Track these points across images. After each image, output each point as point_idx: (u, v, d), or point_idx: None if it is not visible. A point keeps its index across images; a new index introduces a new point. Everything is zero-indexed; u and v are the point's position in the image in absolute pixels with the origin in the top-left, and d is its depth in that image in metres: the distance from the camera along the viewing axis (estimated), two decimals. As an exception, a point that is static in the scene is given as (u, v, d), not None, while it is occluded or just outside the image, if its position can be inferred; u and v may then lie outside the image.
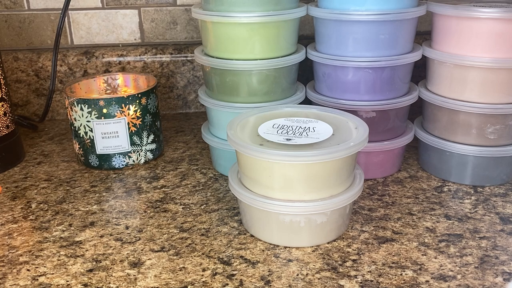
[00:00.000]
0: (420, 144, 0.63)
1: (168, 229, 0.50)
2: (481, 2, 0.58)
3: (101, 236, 0.49)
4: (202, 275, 0.43)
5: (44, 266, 0.45)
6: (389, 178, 0.60)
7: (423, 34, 0.81)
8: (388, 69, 0.57)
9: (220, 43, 0.57)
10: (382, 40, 0.56)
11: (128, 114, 0.62)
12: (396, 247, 0.46)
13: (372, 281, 0.42)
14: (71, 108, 0.62)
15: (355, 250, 0.46)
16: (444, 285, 0.41)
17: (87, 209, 0.55)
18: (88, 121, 0.61)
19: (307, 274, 0.43)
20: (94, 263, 0.45)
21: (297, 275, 0.43)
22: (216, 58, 0.58)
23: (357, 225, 0.50)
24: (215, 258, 0.45)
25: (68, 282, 0.42)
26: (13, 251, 0.47)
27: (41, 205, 0.56)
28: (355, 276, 0.42)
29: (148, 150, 0.65)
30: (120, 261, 0.45)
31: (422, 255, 0.45)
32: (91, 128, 0.62)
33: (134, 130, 0.63)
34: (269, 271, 0.43)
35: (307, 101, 0.61)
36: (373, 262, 0.44)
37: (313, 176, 0.45)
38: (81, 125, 0.62)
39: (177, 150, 0.70)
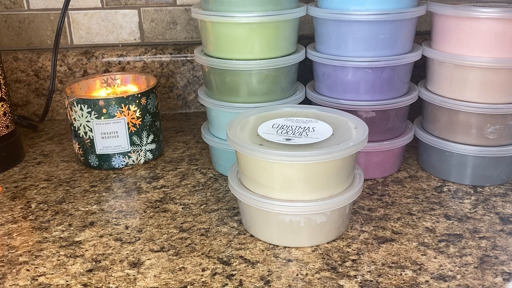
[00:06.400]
0: (420, 144, 0.63)
1: (167, 229, 0.50)
2: (481, 2, 0.58)
3: (101, 236, 0.49)
4: (202, 275, 0.43)
5: (44, 266, 0.45)
6: (389, 178, 0.60)
7: (423, 34, 0.81)
8: (388, 69, 0.57)
9: (219, 43, 0.57)
10: (382, 40, 0.56)
11: (128, 114, 0.62)
12: (395, 247, 0.46)
13: (371, 281, 0.42)
14: (71, 108, 0.62)
15: (354, 250, 0.46)
16: (444, 285, 0.41)
17: (87, 209, 0.55)
18: (87, 121, 0.61)
19: (306, 274, 0.43)
20: (94, 263, 0.45)
21: (297, 275, 0.43)
22: (216, 58, 0.58)
23: (356, 225, 0.50)
24: (214, 258, 0.45)
25: (67, 282, 0.42)
26: (13, 251, 0.47)
27: (41, 205, 0.56)
28: (355, 276, 0.42)
29: (148, 150, 0.65)
30: (120, 261, 0.45)
31: (422, 255, 0.45)
32: (91, 128, 0.62)
33: (134, 130, 0.63)
34: (268, 271, 0.43)
35: (307, 101, 0.61)
36: (372, 262, 0.44)
37: (313, 176, 0.45)
38: (80, 125, 0.62)
39: (177, 150, 0.70)
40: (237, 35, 0.56)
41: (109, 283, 0.42)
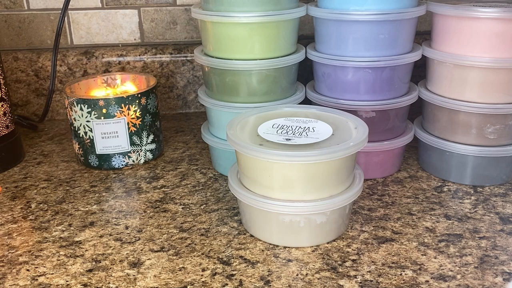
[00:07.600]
0: (420, 144, 0.63)
1: (167, 229, 0.50)
2: (481, 2, 0.58)
3: (101, 236, 0.49)
4: (202, 275, 0.43)
5: (44, 266, 0.45)
6: (389, 178, 0.60)
7: (423, 34, 0.81)
8: (388, 69, 0.57)
9: (219, 43, 0.57)
10: (382, 40, 0.56)
11: (128, 114, 0.62)
12: (395, 247, 0.46)
13: (371, 281, 0.42)
14: (71, 108, 0.62)
15: (354, 250, 0.46)
16: (444, 285, 0.41)
17: (87, 209, 0.55)
18: (87, 121, 0.61)
19: (306, 274, 0.43)
20: (94, 263, 0.45)
21: (297, 275, 0.43)
22: (216, 58, 0.58)
23: (356, 225, 0.50)
24: (214, 258, 0.45)
25: (67, 282, 0.42)
26: (13, 251, 0.47)
27: (41, 205, 0.56)
28: (355, 276, 0.42)
29: (148, 150, 0.65)
30: (120, 261, 0.45)
31: (422, 255, 0.45)
32: (91, 128, 0.62)
33: (134, 130, 0.63)
34: (268, 271, 0.43)
35: (307, 101, 0.61)
36: (372, 262, 0.44)
37: (313, 176, 0.45)
38: (80, 125, 0.62)
39: (177, 150, 0.70)
40: (237, 35, 0.56)
41: (109, 283, 0.42)
